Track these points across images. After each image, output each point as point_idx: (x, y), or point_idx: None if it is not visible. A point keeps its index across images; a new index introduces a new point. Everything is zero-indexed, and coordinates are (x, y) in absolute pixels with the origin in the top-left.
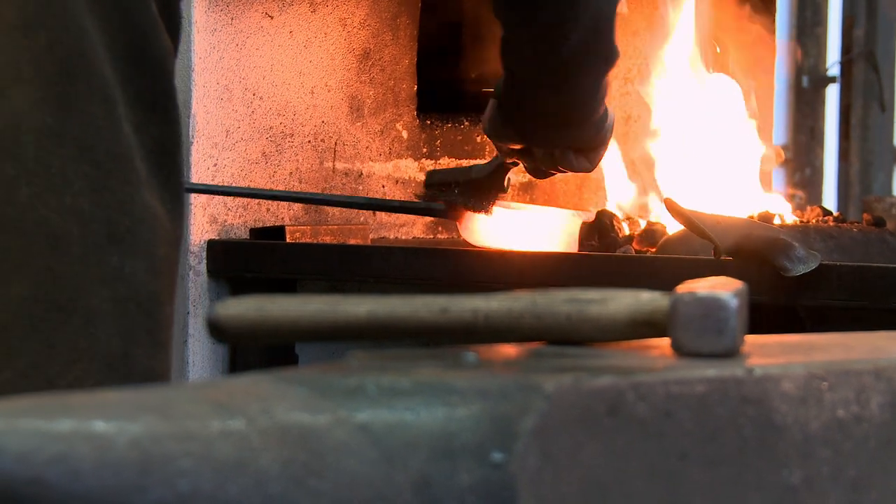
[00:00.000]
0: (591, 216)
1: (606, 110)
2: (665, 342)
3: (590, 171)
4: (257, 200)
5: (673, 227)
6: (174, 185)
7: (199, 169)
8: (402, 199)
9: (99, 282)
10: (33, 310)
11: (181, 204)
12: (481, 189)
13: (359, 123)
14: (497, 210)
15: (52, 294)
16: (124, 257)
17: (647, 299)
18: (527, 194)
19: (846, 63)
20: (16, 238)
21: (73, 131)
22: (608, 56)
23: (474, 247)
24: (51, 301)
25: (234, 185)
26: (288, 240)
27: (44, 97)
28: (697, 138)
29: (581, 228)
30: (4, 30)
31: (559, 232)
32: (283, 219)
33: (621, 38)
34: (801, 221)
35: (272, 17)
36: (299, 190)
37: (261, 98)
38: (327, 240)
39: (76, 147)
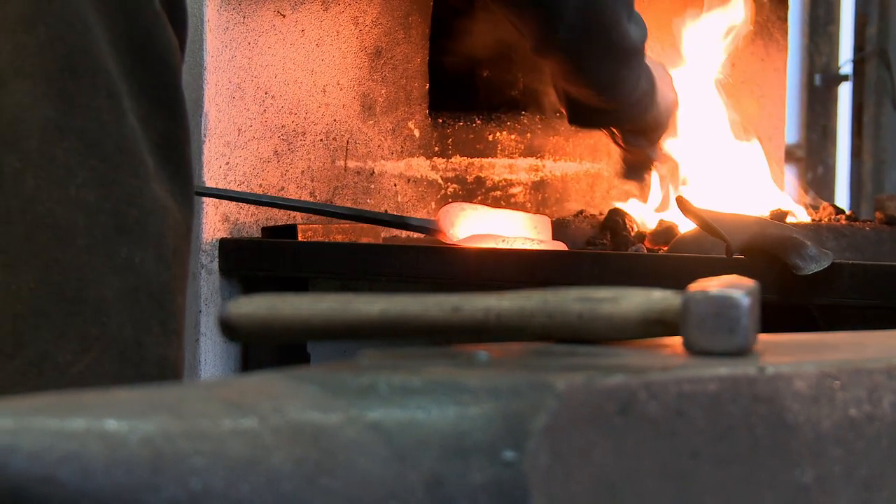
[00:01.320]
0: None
1: (652, 93)
2: (677, 341)
3: (648, 149)
4: None
5: (685, 226)
6: (183, 178)
7: (212, 167)
8: (414, 196)
9: (108, 272)
10: (42, 300)
11: (191, 197)
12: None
13: (371, 122)
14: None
15: (60, 284)
16: (134, 248)
17: (658, 298)
18: (539, 193)
19: (859, 61)
20: (22, 229)
21: (77, 125)
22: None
23: (485, 246)
24: (59, 291)
25: (246, 183)
26: (300, 238)
27: (46, 92)
28: (709, 137)
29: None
30: (4, 26)
31: (534, 234)
32: (294, 217)
33: None
34: (814, 220)
35: (284, 16)
36: (310, 188)
37: (273, 97)
38: (339, 238)
39: (80, 140)
